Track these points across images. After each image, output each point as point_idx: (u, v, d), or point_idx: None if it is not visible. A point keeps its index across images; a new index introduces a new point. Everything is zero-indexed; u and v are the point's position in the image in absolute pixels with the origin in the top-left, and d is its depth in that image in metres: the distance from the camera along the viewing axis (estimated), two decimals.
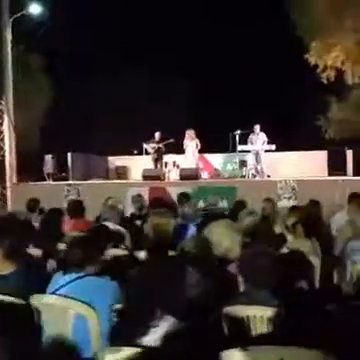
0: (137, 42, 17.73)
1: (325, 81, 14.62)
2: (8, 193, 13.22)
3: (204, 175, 15.82)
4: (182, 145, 14.07)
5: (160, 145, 14.10)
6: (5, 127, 13.22)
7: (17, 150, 14.62)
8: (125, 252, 4.17)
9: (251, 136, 13.79)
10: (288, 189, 11.79)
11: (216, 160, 16.89)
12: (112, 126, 17.43)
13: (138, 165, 14.93)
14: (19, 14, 13.44)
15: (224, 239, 2.86)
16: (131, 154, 15.56)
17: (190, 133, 14.03)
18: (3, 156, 13.26)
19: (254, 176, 13.97)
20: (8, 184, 13.27)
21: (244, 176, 14.58)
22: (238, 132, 13.89)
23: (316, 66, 14.43)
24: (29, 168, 15.87)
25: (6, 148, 13.25)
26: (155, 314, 2.31)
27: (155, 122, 15.27)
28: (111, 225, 4.59)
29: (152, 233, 3.99)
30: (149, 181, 13.07)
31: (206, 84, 16.02)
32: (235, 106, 15.97)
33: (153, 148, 14.19)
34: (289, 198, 11.75)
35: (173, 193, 11.99)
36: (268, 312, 2.32)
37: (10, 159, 13.36)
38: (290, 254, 3.69)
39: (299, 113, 16.00)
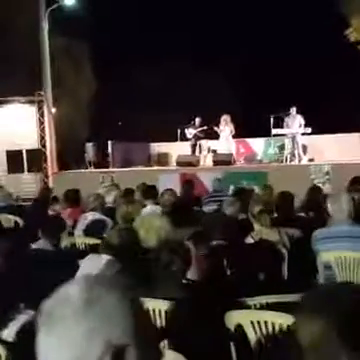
0: (177, 30, 17.73)
1: None
2: (50, 181, 13.81)
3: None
4: (218, 131, 14.01)
5: (197, 131, 14.11)
6: (46, 117, 13.76)
7: (62, 139, 15.26)
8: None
9: (287, 119, 13.45)
10: (321, 174, 11.45)
11: (257, 144, 16.62)
12: (154, 113, 17.61)
13: (179, 151, 14.99)
14: (55, 6, 13.80)
15: (153, 234, 2.88)
16: (173, 140, 15.66)
17: (225, 118, 13.93)
18: (44, 146, 13.85)
19: (292, 160, 13.65)
20: (50, 172, 13.86)
21: (284, 161, 14.26)
22: (272, 115, 13.54)
23: (357, 43, 13.77)
24: (74, 156, 16.50)
25: (47, 138, 13.82)
26: (16, 308, 2.34)
27: (195, 108, 15.27)
28: (97, 215, 4.75)
29: (122, 222, 4.10)
30: (182, 167, 13.17)
31: (243, 68, 15.78)
32: (272, 88, 15.63)
33: (191, 134, 14.23)
34: (323, 183, 11.40)
35: (204, 179, 12.08)
36: (165, 306, 2.32)
37: (51, 148, 13.93)
38: (245, 245, 3.66)
39: (338, 93, 15.36)
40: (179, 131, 14.56)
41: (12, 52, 13.74)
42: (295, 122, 13.32)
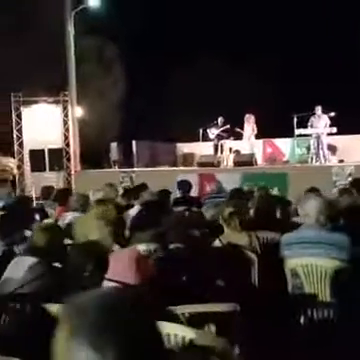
0: (204, 30, 17.58)
1: None
2: (72, 180, 14.02)
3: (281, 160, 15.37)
4: (240, 131, 13.80)
5: (219, 131, 13.95)
6: (70, 117, 13.98)
7: (86, 138, 15.45)
8: None
9: (312, 119, 13.07)
10: (344, 175, 11.03)
11: (285, 145, 16.27)
12: (180, 113, 17.53)
13: (205, 152, 14.86)
14: (80, 7, 13.99)
15: (92, 231, 2.79)
16: (199, 140, 15.56)
17: (248, 118, 13.71)
18: (68, 145, 14.06)
19: (317, 161, 13.25)
20: (73, 171, 14.07)
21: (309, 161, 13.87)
22: (296, 115, 13.18)
23: None
24: (98, 156, 16.68)
25: (71, 137, 14.03)
26: None
27: (219, 108, 15.07)
28: (76, 214, 4.73)
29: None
30: (203, 168, 13.06)
31: (269, 67, 15.42)
32: (297, 87, 15.22)
33: (214, 134, 14.08)
34: (345, 185, 10.99)
35: (223, 179, 11.90)
36: None
37: (74, 147, 14.13)
38: (202, 250, 3.51)
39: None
40: (201, 131, 14.40)
41: (38, 53, 14.01)
42: (320, 122, 12.94)
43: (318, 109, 12.97)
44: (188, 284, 3.08)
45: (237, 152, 14.29)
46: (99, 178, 11.99)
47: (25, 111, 13.41)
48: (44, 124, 13.59)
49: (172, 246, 3.41)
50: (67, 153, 13.97)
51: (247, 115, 13.69)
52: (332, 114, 12.95)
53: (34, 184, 12.34)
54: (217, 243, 3.84)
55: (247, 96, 15.43)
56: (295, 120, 13.22)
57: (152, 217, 3.63)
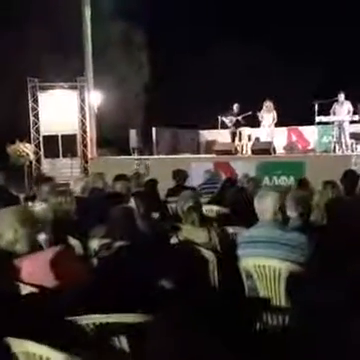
0: (227, 17, 17.12)
1: None
2: (89, 166, 13.96)
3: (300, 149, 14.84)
4: (259, 118, 13.33)
5: (239, 118, 13.54)
6: (87, 103, 13.86)
7: (105, 125, 15.36)
8: None
9: (334, 106, 12.46)
10: None
11: (311, 133, 15.65)
12: (201, 100, 17.19)
13: (227, 139, 14.47)
14: None
15: (7, 230, 2.57)
16: (223, 127, 15.20)
17: (268, 104, 13.19)
18: (85, 131, 13.99)
19: (339, 150, 12.66)
20: (90, 157, 13.99)
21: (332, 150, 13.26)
22: (317, 102, 12.58)
23: None
24: (117, 142, 16.56)
25: (87, 123, 13.93)
26: None
27: (241, 94, 14.63)
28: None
29: (51, 215, 3.85)
30: (219, 155, 12.72)
31: (290, 51, 14.80)
32: (319, 73, 14.53)
33: (231, 121, 13.69)
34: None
35: (238, 169, 11.55)
36: None
37: (91, 134, 14.04)
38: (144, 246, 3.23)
39: None
40: (219, 119, 14.00)
41: (56, 38, 13.97)
42: (343, 109, 12.32)
43: (341, 95, 12.33)
44: (122, 288, 2.84)
45: (257, 140, 13.85)
46: (115, 165, 11.88)
47: (42, 96, 13.38)
48: (61, 110, 13.55)
49: (118, 244, 3.17)
50: (84, 139, 13.90)
51: (266, 102, 13.18)
52: None
53: (47, 170, 12.34)
54: (174, 239, 3.57)
55: (267, 82, 14.91)
56: (316, 107, 12.63)
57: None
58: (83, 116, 13.86)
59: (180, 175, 6.69)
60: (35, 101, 13.33)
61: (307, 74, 14.99)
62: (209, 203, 5.60)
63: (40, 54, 13.61)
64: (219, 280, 3.44)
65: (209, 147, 16.78)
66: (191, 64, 17.07)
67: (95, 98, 14.46)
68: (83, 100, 13.83)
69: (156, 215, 5.33)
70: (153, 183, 6.11)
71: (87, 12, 13.73)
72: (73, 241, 3.76)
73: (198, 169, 10.40)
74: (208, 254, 3.44)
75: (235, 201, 4.72)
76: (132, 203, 5.07)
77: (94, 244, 3.54)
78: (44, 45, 13.74)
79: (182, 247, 3.47)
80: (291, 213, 3.63)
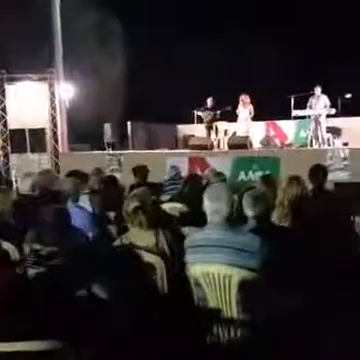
0: (205, 9, 16.73)
1: None
2: (60, 162, 13.48)
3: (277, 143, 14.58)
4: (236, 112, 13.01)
5: (216, 112, 13.16)
6: (57, 95, 13.36)
7: (77, 118, 14.86)
8: None
9: (311, 99, 12.22)
10: (339, 159, 10.25)
11: (288, 127, 15.42)
12: (182, 93, 16.79)
13: (204, 134, 14.12)
14: None
15: None
16: (198, 122, 14.84)
17: (244, 98, 12.86)
18: (55, 125, 13.48)
19: (316, 144, 12.43)
20: (61, 153, 13.52)
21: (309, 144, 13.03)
22: (293, 95, 12.32)
23: None
24: (90, 137, 16.08)
25: (58, 117, 13.43)
26: None
27: (218, 88, 14.29)
28: None
29: None
30: (195, 150, 12.38)
31: (267, 45, 14.48)
32: (295, 67, 14.27)
33: (206, 116, 13.32)
34: (340, 169, 10.22)
35: (214, 163, 11.23)
36: None
37: (62, 128, 13.55)
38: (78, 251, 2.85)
39: None
40: (195, 112, 13.65)
41: (24, 27, 13.41)
42: (319, 102, 12.08)
43: (317, 89, 12.10)
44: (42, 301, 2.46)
45: (234, 134, 13.52)
46: (87, 161, 11.47)
47: (9, 88, 12.83)
48: (30, 102, 12.99)
49: (46, 250, 2.79)
50: (54, 134, 13.39)
51: (243, 95, 12.85)
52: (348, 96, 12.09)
53: (15, 166, 11.85)
54: (118, 243, 3.19)
55: (244, 76, 14.60)
56: (292, 101, 12.38)
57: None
58: (53, 109, 13.33)
59: (141, 171, 6.31)
60: (2, 93, 12.76)
61: (284, 67, 14.72)
62: (171, 201, 5.23)
63: (7, 44, 13.03)
64: (167, 289, 3.07)
65: (187, 142, 16.43)
66: (168, 56, 16.66)
67: (66, 90, 13.97)
68: (53, 93, 13.30)
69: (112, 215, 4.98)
70: (112, 180, 5.71)
71: (57, 1, 13.25)
72: (7, 245, 3.37)
73: (174, 164, 10.11)
74: (154, 259, 3.07)
75: (195, 199, 4.34)
76: (82, 202, 4.71)
77: (26, 249, 3.15)
78: (12, 35, 13.18)
79: (123, 252, 3.09)
80: (249, 213, 3.29)
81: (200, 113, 13.39)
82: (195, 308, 2.88)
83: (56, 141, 13.43)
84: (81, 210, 4.26)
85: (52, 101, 13.32)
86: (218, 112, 13.04)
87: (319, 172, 4.54)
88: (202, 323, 2.84)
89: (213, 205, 2.80)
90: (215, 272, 2.71)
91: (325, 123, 12.17)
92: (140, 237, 3.17)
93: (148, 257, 3.07)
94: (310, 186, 4.75)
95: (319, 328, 3.09)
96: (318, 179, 4.53)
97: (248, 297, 2.68)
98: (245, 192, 3.41)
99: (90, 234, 4.08)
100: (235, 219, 2.83)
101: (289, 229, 3.54)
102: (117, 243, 3.18)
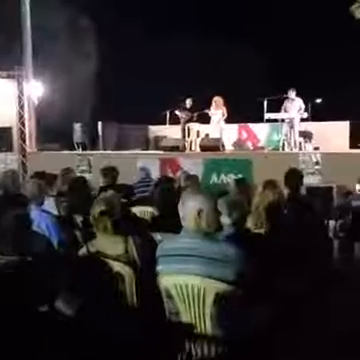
0: (179, 9, 16.60)
1: None
2: (28, 162, 13.09)
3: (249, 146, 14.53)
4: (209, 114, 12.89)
5: (194, 114, 12.99)
6: (25, 94, 12.97)
7: (47, 118, 14.47)
8: None
9: (286, 103, 12.19)
10: (311, 163, 10.25)
11: (261, 130, 15.38)
12: (154, 94, 16.57)
13: (177, 135, 13.92)
14: None
15: None
16: (171, 123, 14.65)
17: (217, 100, 12.76)
18: (23, 125, 13.08)
19: (288, 148, 12.42)
20: (28, 152, 13.13)
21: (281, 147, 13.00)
22: (266, 98, 12.28)
23: None
24: (59, 137, 15.68)
25: (26, 116, 13.03)
26: None
27: (191, 89, 14.12)
28: None
29: None
30: (167, 152, 12.20)
31: (241, 47, 14.45)
32: (269, 71, 14.27)
33: (183, 117, 13.14)
34: (312, 174, 10.21)
35: (186, 165, 11.08)
36: None
37: (30, 127, 13.16)
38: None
39: (348, 76, 13.83)
40: (168, 114, 13.47)
41: None
42: (294, 106, 12.06)
43: (292, 92, 12.07)
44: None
45: (206, 136, 13.40)
46: (56, 161, 11.19)
47: None
48: None
49: (4, 259, 2.54)
50: (22, 133, 12.99)
51: (216, 98, 12.75)
52: (318, 100, 12.12)
53: None
54: (83, 251, 2.96)
55: (217, 77, 14.50)
56: (265, 104, 12.35)
57: None
58: (21, 108, 12.94)
59: (110, 172, 6.08)
60: None
61: (258, 70, 14.70)
62: (141, 203, 5.03)
63: None
64: (137, 301, 2.86)
65: (158, 143, 16.21)
66: (140, 57, 16.43)
67: (35, 89, 13.58)
68: (22, 91, 12.90)
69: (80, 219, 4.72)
70: (81, 181, 5.46)
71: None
72: None
73: (145, 166, 9.92)
74: (123, 269, 2.85)
75: (167, 202, 4.16)
76: (48, 205, 4.45)
77: None
78: None
79: (90, 261, 2.87)
80: (224, 219, 3.12)
81: (178, 112, 13.21)
82: (167, 323, 2.68)
83: (24, 140, 13.05)
84: (45, 214, 4.01)
85: (20, 99, 12.94)
86: (195, 114, 12.92)
87: (295, 177, 4.42)
88: (174, 339, 2.65)
89: (185, 211, 2.61)
90: (189, 284, 2.52)
91: (298, 127, 12.15)
92: (108, 244, 2.95)
93: (117, 266, 2.85)
94: (285, 190, 4.64)
95: (297, 340, 2.95)
96: (294, 184, 4.40)
97: (224, 311, 2.50)
98: (220, 197, 3.24)
99: (55, 240, 3.83)
100: (210, 227, 2.63)
101: (266, 236, 3.39)
102: (83, 251, 2.95)
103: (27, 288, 2.43)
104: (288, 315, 2.75)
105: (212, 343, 2.54)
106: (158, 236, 3.61)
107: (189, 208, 2.58)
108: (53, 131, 15.09)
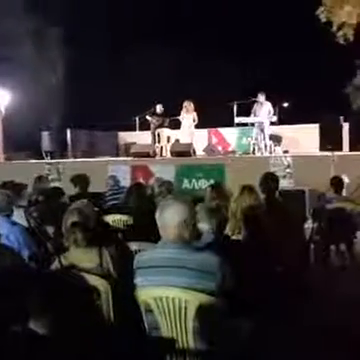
0: (146, 16, 16.54)
1: (342, 41, 12.52)
2: None
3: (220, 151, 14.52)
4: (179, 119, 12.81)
5: (165, 119, 12.88)
6: None
7: (12, 126, 14.13)
8: None
9: (255, 106, 12.24)
10: (282, 167, 10.27)
11: (230, 134, 15.41)
12: (122, 100, 16.42)
13: (147, 141, 13.78)
14: None
15: None
16: (141, 129, 14.51)
17: (187, 105, 12.68)
18: None
19: (259, 151, 12.45)
20: None
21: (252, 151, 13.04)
22: (235, 103, 12.31)
23: (329, 23, 12.34)
24: (26, 145, 15.34)
25: None
26: None
27: (160, 95, 14.04)
28: None
29: None
30: (137, 158, 12.05)
31: (210, 52, 14.47)
32: (238, 74, 14.32)
33: (154, 123, 13.02)
34: (283, 177, 10.22)
35: (157, 171, 10.96)
36: None
37: None
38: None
39: (315, 79, 14.03)
40: (137, 120, 13.35)
41: None
42: (263, 109, 12.11)
43: (261, 96, 12.13)
44: None
45: (177, 141, 13.32)
46: (24, 170, 10.91)
47: None
48: None
49: None
50: None
51: (186, 102, 12.67)
52: (285, 104, 12.19)
53: None
54: (56, 265, 2.80)
55: (186, 83, 14.47)
56: (235, 108, 12.37)
57: None
58: None
59: (81, 181, 5.91)
60: None
61: (227, 75, 14.74)
62: (113, 212, 4.88)
63: None
64: (113, 316, 2.71)
65: (128, 149, 16.04)
66: (108, 63, 16.27)
67: (1, 97, 13.25)
68: None
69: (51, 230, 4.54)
70: (54, 191, 5.27)
71: None
72: None
73: (116, 173, 9.75)
74: (98, 282, 2.71)
75: (141, 209, 4.03)
76: (17, 216, 4.25)
77: None
78: None
79: (62, 275, 2.71)
80: (203, 226, 3.02)
81: (149, 118, 13.11)
82: (146, 338, 2.55)
83: None
84: (14, 226, 3.81)
85: None
86: (167, 119, 12.84)
87: (271, 181, 4.36)
88: (154, 355, 2.52)
89: (163, 220, 2.49)
90: (169, 297, 2.40)
91: (268, 130, 12.21)
92: (82, 256, 2.80)
93: (91, 280, 2.70)
94: (261, 195, 4.58)
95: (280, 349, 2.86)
96: (270, 188, 4.34)
97: (206, 325, 2.39)
98: (196, 203, 3.14)
99: (25, 253, 3.65)
100: (190, 235, 2.52)
101: (246, 243, 3.30)
102: (55, 264, 2.79)
103: None
104: (271, 326, 2.65)
105: (194, 358, 2.42)
106: (134, 246, 3.48)
107: (169, 218, 2.46)
108: (21, 140, 14.77)
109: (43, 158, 13.97)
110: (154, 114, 13.00)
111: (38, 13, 15.27)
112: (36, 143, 14.79)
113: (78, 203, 2.99)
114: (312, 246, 5.27)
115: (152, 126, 13.14)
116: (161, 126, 12.95)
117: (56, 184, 9.80)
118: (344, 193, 6.47)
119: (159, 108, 12.98)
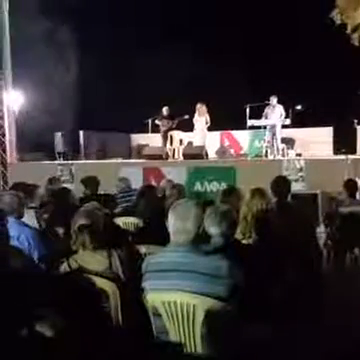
0: (159, 18, 16.53)
1: (357, 43, 12.34)
2: (8, 172, 12.82)
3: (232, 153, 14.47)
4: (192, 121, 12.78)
5: (173, 121, 12.88)
6: (4, 102, 12.71)
7: (27, 127, 14.21)
8: None
9: (266, 109, 12.18)
10: (294, 170, 10.18)
11: (243, 137, 15.34)
12: (135, 103, 16.44)
13: (159, 143, 13.78)
14: None
15: None
16: (153, 131, 14.53)
17: (200, 107, 12.66)
18: (3, 135, 12.81)
19: (271, 154, 12.38)
20: (9, 163, 12.85)
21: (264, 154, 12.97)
22: (248, 105, 12.26)
23: (344, 26, 12.18)
24: (41, 146, 15.44)
25: (6, 125, 12.77)
26: None
27: (173, 97, 14.02)
28: None
29: None
30: (149, 160, 12.07)
31: (221, 54, 14.43)
32: (252, 76, 14.25)
33: (164, 125, 13.02)
34: (296, 180, 10.13)
35: (169, 174, 10.94)
36: None
37: (10, 137, 12.90)
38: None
39: (329, 82, 13.91)
40: (150, 122, 13.38)
41: None
42: (275, 112, 12.05)
43: (273, 99, 12.07)
44: None
45: (190, 144, 13.30)
46: (37, 171, 10.96)
47: None
48: None
49: None
50: (2, 143, 12.71)
51: (198, 105, 12.65)
52: (298, 107, 12.11)
53: None
54: (65, 267, 2.80)
55: (200, 85, 14.44)
56: (248, 110, 12.31)
57: None
58: (1, 118, 12.66)
59: (91, 182, 5.92)
60: None
61: (240, 77, 14.69)
62: (123, 215, 4.87)
63: None
64: (122, 319, 2.70)
65: (141, 151, 16.07)
66: (121, 65, 16.31)
67: (15, 98, 13.36)
68: (1, 100, 12.65)
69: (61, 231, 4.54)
70: (66, 192, 5.28)
71: (4, 4, 12.68)
72: None
73: (128, 175, 9.77)
74: (107, 285, 2.70)
75: (152, 212, 4.01)
76: (28, 218, 4.26)
77: None
78: None
79: (71, 278, 2.70)
80: (213, 229, 2.99)
81: (158, 122, 13.13)
82: (154, 342, 2.52)
83: (4, 151, 12.76)
84: (25, 227, 3.82)
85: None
86: (175, 121, 12.83)
87: (283, 184, 4.31)
88: (162, 359, 2.49)
89: (179, 224, 2.46)
90: (177, 301, 2.37)
91: (280, 133, 12.13)
92: (90, 259, 2.79)
93: (100, 283, 2.69)
94: (273, 198, 4.53)
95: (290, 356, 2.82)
96: (281, 192, 4.29)
97: (215, 330, 2.36)
98: (207, 206, 3.11)
99: (35, 255, 3.65)
100: (200, 239, 2.50)
101: (257, 248, 3.26)
102: (64, 267, 2.79)
103: (2, 310, 2.25)
104: (282, 332, 2.61)
105: None
106: (143, 249, 3.46)
107: (179, 221, 2.44)
108: (34, 141, 14.86)
109: (56, 159, 14.06)
110: (162, 117, 13.01)
111: (52, 15, 15.36)
112: (49, 144, 14.90)
113: (87, 206, 2.99)
114: (325, 250, 5.20)
115: (162, 129, 13.14)
116: (171, 128, 12.94)
117: (68, 185, 9.85)
118: (358, 196, 6.40)
119: (165, 110, 12.97)
